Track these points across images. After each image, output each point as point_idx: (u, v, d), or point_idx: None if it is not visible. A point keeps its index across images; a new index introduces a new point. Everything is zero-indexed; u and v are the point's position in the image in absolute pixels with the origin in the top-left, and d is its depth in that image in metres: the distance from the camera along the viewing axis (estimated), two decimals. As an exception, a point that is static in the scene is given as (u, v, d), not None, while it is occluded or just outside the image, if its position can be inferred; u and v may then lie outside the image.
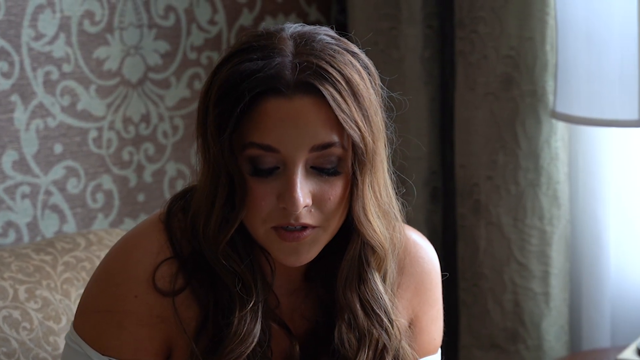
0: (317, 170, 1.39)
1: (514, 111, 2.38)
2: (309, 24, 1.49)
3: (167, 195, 2.41)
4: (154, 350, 1.46)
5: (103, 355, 1.46)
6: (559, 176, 2.40)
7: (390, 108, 1.46)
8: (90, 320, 1.47)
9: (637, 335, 2.42)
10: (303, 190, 1.37)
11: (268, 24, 2.55)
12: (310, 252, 1.42)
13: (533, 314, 2.42)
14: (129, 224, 2.35)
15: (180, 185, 2.43)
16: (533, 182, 2.39)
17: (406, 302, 1.53)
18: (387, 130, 1.44)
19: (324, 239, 1.42)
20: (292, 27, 1.43)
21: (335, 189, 1.40)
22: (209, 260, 1.43)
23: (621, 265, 2.46)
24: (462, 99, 2.45)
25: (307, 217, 1.39)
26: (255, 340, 1.41)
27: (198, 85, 2.44)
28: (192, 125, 2.43)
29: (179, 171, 2.43)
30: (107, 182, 2.32)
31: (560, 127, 2.38)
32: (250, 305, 1.41)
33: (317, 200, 1.39)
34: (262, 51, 1.39)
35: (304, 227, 1.39)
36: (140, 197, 2.38)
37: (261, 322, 1.43)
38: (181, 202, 1.49)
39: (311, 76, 1.37)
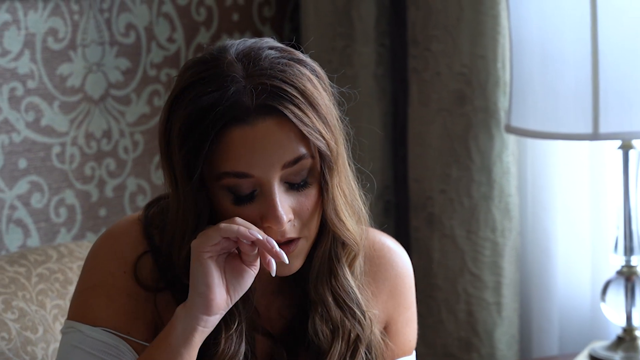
0: (291, 185, 1.44)
1: (466, 126, 2.45)
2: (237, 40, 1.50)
3: (128, 210, 2.45)
4: (143, 323, 1.49)
5: (94, 326, 1.48)
6: (510, 189, 2.47)
7: (341, 102, 1.51)
8: (80, 299, 1.51)
9: (583, 343, 2.50)
10: (284, 207, 1.42)
11: (224, 42, 2.60)
12: (297, 262, 1.47)
13: (486, 324, 2.49)
14: (91, 238, 2.38)
15: (140, 200, 2.47)
16: (485, 195, 2.46)
17: (382, 306, 1.59)
18: (342, 124, 1.49)
19: (307, 246, 1.48)
20: (235, 46, 1.44)
21: (310, 199, 1.45)
22: (187, 288, 1.46)
23: (568, 275, 2.54)
24: (416, 114, 2.52)
25: (291, 231, 1.44)
26: (241, 358, 1.46)
27: (158, 102, 2.48)
28: (152, 141, 2.48)
29: (139, 186, 2.47)
30: (70, 197, 2.35)
31: (512, 142, 2.46)
32: (235, 326, 1.46)
33: (297, 213, 1.44)
34: (214, 82, 1.40)
35: (290, 240, 1.44)
36: (102, 212, 2.41)
37: (245, 336, 1.48)
38: (154, 209, 1.53)
39: (268, 98, 1.40)
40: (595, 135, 2.10)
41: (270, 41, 1.47)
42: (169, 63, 2.50)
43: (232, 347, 1.45)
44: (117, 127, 2.42)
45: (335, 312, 1.51)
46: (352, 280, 1.52)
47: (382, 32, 2.58)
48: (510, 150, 2.46)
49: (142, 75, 2.45)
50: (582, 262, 2.52)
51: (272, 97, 1.40)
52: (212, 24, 2.57)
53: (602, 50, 2.09)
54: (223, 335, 1.45)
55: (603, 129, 2.09)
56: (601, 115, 2.09)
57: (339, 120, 1.48)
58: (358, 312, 1.52)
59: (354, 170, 1.53)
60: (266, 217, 1.42)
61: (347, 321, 1.51)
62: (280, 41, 2.77)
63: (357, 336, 1.52)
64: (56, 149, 2.32)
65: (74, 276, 1.95)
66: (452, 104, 2.46)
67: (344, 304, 1.51)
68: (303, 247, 1.47)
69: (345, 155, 1.49)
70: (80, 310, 1.50)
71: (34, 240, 2.28)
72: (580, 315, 2.54)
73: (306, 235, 1.46)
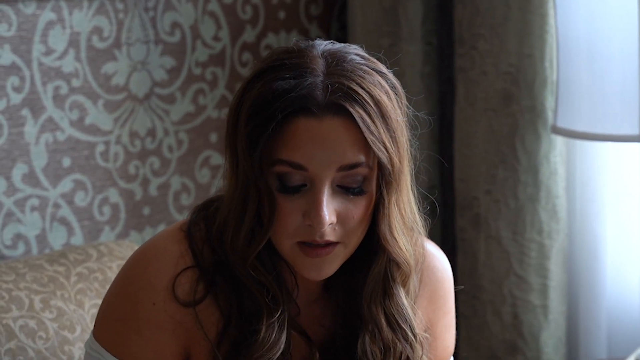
0: (342, 189, 1.42)
1: (513, 126, 2.42)
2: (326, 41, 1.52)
3: (172, 209, 2.45)
4: (173, 356, 1.49)
5: None
6: (557, 191, 2.44)
7: (415, 126, 1.50)
8: (110, 328, 1.51)
9: (632, 347, 2.47)
10: (329, 209, 1.40)
11: (270, 41, 2.60)
12: (331, 267, 1.45)
13: (532, 326, 2.46)
14: (134, 237, 2.39)
15: (184, 199, 2.47)
16: (532, 196, 2.43)
17: (422, 311, 1.57)
18: (411, 147, 1.47)
19: (344, 254, 1.46)
20: (323, 45, 1.45)
21: (358, 208, 1.43)
22: (236, 271, 1.47)
23: (617, 278, 2.51)
24: (462, 114, 2.50)
25: (330, 234, 1.42)
26: (282, 348, 1.44)
27: (202, 100, 2.48)
28: (197, 139, 2.48)
29: (183, 185, 2.47)
30: (113, 196, 2.36)
31: (559, 142, 2.43)
32: (278, 314, 1.45)
33: (341, 218, 1.42)
34: (294, 70, 1.41)
35: (327, 243, 1.43)
36: (146, 210, 2.41)
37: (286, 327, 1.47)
38: (204, 212, 1.52)
39: (342, 98, 1.39)
40: (642, 137, 2.07)
41: (358, 49, 1.47)
42: (214, 61, 2.50)
43: (274, 335, 1.44)
44: (161, 126, 2.42)
45: (387, 333, 1.49)
46: (406, 300, 1.51)
47: (428, 30, 2.56)
48: (557, 151, 2.43)
49: (187, 73, 2.45)
50: (632, 265, 2.48)
51: (345, 98, 1.40)
52: (258, 22, 2.57)
53: (649, 50, 2.06)
54: (265, 322, 1.44)
55: (650, 130, 2.06)
56: (648, 117, 2.05)
57: (408, 141, 1.47)
58: (410, 334, 1.50)
59: (415, 193, 1.52)
60: (309, 215, 1.41)
61: (398, 343, 1.50)
62: (327, 39, 2.78)
63: (407, 358, 1.51)
64: (100, 148, 2.33)
65: (114, 275, 1.95)
66: (499, 104, 2.44)
67: (397, 325, 1.50)
68: (339, 253, 1.45)
69: (408, 176, 1.48)
70: (109, 339, 1.50)
71: (77, 239, 2.29)
72: (629, 319, 2.50)
73: (345, 242, 1.44)
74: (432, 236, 2.58)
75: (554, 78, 2.38)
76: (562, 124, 2.20)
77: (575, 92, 2.16)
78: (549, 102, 2.39)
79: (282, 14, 2.60)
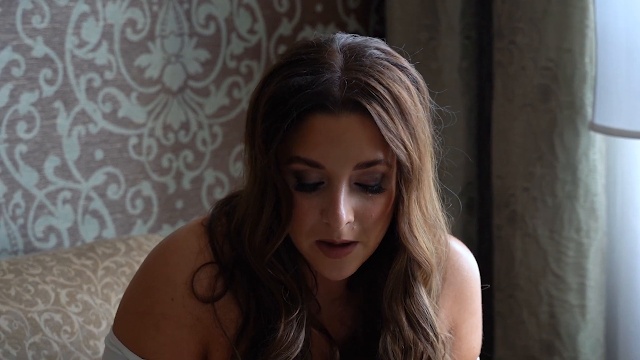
0: (360, 187, 1.40)
1: (551, 123, 2.38)
2: (347, 34, 1.49)
3: (205, 202, 2.43)
4: (191, 352, 1.47)
5: (141, 357, 1.48)
6: (596, 188, 2.39)
7: (438, 121, 1.47)
8: (129, 322, 1.49)
9: (673, 349, 2.42)
10: (346, 207, 1.38)
11: (307, 34, 2.57)
12: (351, 267, 1.43)
13: (569, 326, 2.42)
14: (167, 230, 2.38)
15: (218, 193, 2.45)
16: (570, 194, 2.39)
17: (446, 311, 1.55)
18: (434, 142, 1.45)
19: (364, 254, 1.43)
20: (343, 39, 1.43)
21: (377, 206, 1.40)
22: (254, 268, 1.45)
23: (658, 278, 2.46)
24: (500, 109, 2.46)
25: (348, 233, 1.40)
26: (300, 346, 1.43)
27: (237, 94, 2.46)
28: (231, 133, 2.46)
29: (217, 179, 2.45)
30: (146, 189, 2.34)
31: (599, 139, 2.38)
32: (296, 313, 1.43)
33: (359, 217, 1.40)
34: (311, 65, 1.39)
35: (345, 243, 1.40)
36: (179, 204, 2.40)
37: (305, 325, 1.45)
38: (226, 207, 1.50)
39: (359, 94, 1.37)
40: (681, 135, 2.02)
41: (380, 42, 1.45)
42: (249, 55, 2.47)
43: (292, 334, 1.43)
44: (195, 119, 2.41)
45: (408, 332, 1.47)
46: (427, 300, 1.48)
47: (467, 24, 2.53)
48: (597, 148, 2.38)
49: (221, 66, 2.43)
50: (672, 265, 2.43)
51: (362, 94, 1.37)
52: (295, 15, 2.54)
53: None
54: (283, 321, 1.43)
55: (690, 128, 2.01)
56: (687, 114, 2.00)
57: (430, 137, 1.44)
58: (431, 334, 1.48)
59: (439, 190, 1.49)
60: (326, 213, 1.39)
61: (419, 342, 1.48)
62: (366, 33, 2.74)
63: (429, 358, 1.49)
64: (133, 141, 2.32)
65: (142, 270, 1.94)
66: (537, 100, 2.39)
67: (417, 325, 1.48)
68: (359, 252, 1.43)
69: (430, 173, 1.45)
70: (128, 333, 1.49)
71: (109, 232, 2.29)
72: (670, 320, 2.46)
73: (364, 240, 1.42)
74: (468, 234, 2.57)
75: (594, 74, 2.33)
76: (599, 121, 2.16)
77: (613, 89, 2.12)
78: (588, 99, 2.34)
79: (319, 7, 2.58)
